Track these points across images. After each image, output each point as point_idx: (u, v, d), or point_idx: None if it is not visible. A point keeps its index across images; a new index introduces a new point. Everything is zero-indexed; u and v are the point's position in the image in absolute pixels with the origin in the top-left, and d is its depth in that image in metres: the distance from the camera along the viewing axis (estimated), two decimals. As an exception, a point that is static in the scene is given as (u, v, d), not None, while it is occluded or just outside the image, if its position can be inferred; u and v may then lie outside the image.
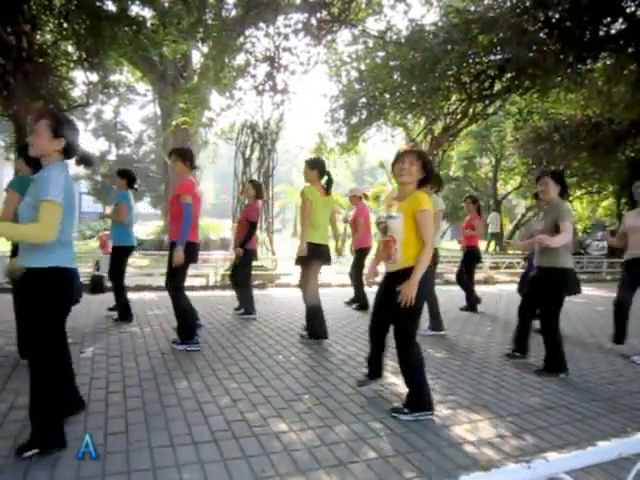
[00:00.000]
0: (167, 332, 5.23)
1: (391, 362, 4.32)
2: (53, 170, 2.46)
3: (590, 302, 7.91)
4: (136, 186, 5.84)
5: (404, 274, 3.00)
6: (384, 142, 16.68)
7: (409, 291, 2.92)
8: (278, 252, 11.90)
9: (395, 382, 3.77)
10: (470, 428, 2.93)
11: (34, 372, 2.43)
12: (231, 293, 7.08)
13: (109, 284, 6.01)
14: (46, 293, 2.46)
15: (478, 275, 9.48)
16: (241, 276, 6.28)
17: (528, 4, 10.56)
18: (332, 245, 5.56)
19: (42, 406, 2.44)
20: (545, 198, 4.24)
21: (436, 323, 5.59)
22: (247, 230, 6.06)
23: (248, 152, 11.81)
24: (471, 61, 11.88)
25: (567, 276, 4.14)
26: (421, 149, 3.50)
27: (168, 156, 5.37)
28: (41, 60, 10.34)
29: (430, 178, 3.20)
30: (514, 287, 6.90)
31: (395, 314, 3.08)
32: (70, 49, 11.61)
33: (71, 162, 2.74)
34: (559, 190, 4.18)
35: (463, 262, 7.29)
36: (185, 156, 4.74)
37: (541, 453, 0.97)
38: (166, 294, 4.81)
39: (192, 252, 4.57)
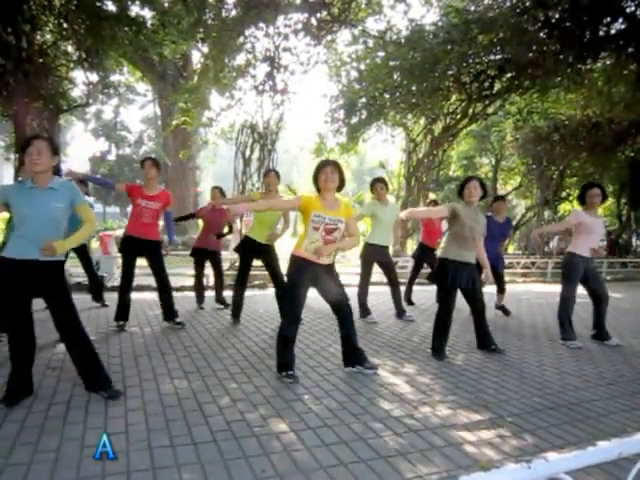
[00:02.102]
0: (167, 332, 5.23)
1: (391, 362, 4.32)
2: (67, 181, 3.19)
3: (589, 301, 7.91)
4: None
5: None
6: (384, 142, 16.69)
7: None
8: (278, 252, 11.89)
9: (395, 382, 3.77)
10: (470, 428, 2.93)
11: None
12: (230, 293, 7.07)
13: (108, 284, 6.02)
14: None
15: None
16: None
17: (528, 4, 10.57)
18: None
19: None
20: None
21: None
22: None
23: (248, 152, 11.82)
24: (471, 61, 11.89)
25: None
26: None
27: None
28: (41, 60, 10.35)
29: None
30: (514, 287, 6.91)
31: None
32: (70, 49, 11.62)
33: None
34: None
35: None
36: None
37: (541, 453, 0.97)
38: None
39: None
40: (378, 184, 6.18)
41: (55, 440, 2.58)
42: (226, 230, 6.68)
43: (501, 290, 6.86)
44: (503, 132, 20.69)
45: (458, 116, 14.07)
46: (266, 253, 5.70)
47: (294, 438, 2.71)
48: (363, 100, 13.61)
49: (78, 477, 2.24)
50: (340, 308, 3.90)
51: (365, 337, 5.16)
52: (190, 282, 8.85)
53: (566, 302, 5.33)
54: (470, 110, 13.72)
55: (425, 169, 14.86)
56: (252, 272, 7.21)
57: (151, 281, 8.24)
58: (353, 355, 3.98)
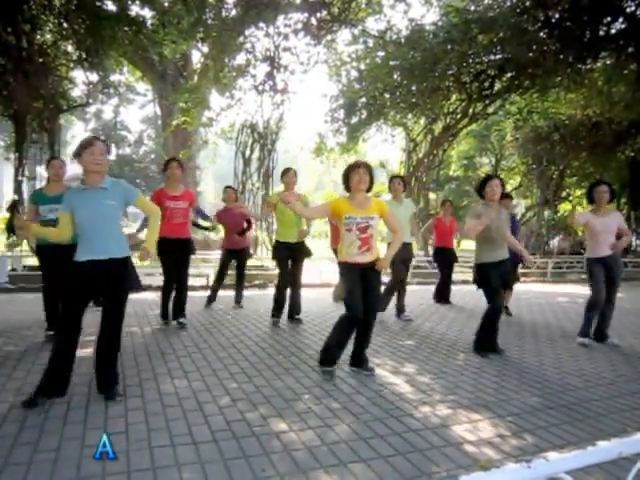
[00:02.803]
0: (167, 332, 5.24)
1: (390, 361, 4.32)
2: (117, 180, 3.26)
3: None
4: None
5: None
6: (384, 142, 16.70)
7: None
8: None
9: (395, 382, 3.77)
10: (470, 428, 2.93)
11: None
12: (231, 293, 7.09)
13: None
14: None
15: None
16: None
17: (528, 4, 10.58)
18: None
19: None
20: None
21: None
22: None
23: (248, 152, 11.83)
24: (471, 61, 11.89)
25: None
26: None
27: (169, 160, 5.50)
28: (41, 60, 10.33)
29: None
30: (513, 286, 6.91)
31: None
32: (70, 49, 11.60)
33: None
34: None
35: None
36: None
37: (541, 453, 0.97)
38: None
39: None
40: (395, 180, 6.23)
41: (55, 440, 2.58)
42: (245, 226, 6.74)
43: (509, 288, 6.82)
44: (503, 132, 20.69)
45: (458, 116, 14.07)
46: (301, 251, 5.76)
47: (294, 438, 2.71)
48: (363, 100, 13.61)
49: (78, 477, 2.24)
50: (369, 313, 3.91)
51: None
52: (197, 283, 8.83)
53: (592, 303, 5.29)
54: (470, 110, 13.72)
55: (425, 169, 14.86)
56: (253, 272, 7.24)
57: (150, 281, 8.29)
58: (359, 359, 4.02)
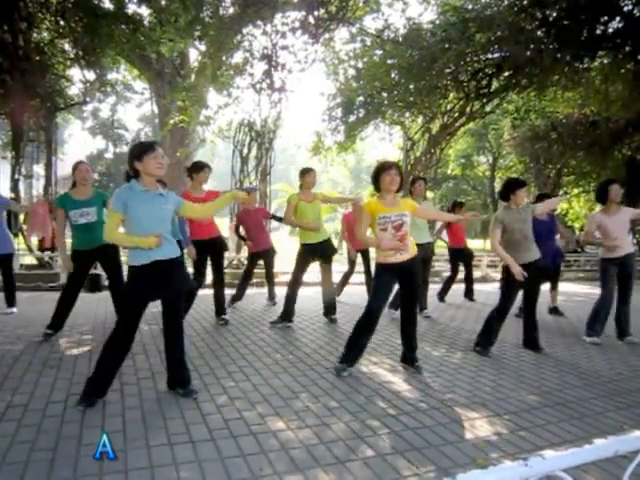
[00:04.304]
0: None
1: (388, 360, 4.33)
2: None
3: (587, 300, 7.94)
4: None
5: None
6: (382, 140, 16.71)
7: None
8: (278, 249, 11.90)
9: (392, 380, 3.77)
10: (467, 426, 2.94)
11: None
12: (230, 292, 7.08)
13: (105, 283, 6.02)
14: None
15: (476, 273, 9.53)
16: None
17: (525, 2, 10.57)
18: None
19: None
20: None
21: None
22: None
23: (246, 150, 11.80)
24: (468, 59, 11.89)
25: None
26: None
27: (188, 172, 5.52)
28: (37, 58, 10.29)
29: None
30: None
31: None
32: (67, 47, 11.55)
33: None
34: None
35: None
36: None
37: (538, 451, 0.98)
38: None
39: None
40: (418, 181, 6.29)
41: (52, 439, 2.58)
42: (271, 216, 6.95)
43: (554, 287, 6.98)
44: (501, 130, 20.72)
45: (456, 114, 14.06)
46: (327, 249, 5.67)
47: (292, 436, 2.71)
48: (361, 98, 13.61)
49: (75, 475, 2.23)
50: (405, 313, 4.06)
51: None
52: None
53: (602, 303, 5.30)
54: (468, 108, 13.71)
55: (423, 167, 14.85)
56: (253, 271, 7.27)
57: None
58: (410, 354, 4.10)
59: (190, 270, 5.12)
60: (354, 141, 15.68)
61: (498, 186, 24.77)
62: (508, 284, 4.62)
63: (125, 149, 37.25)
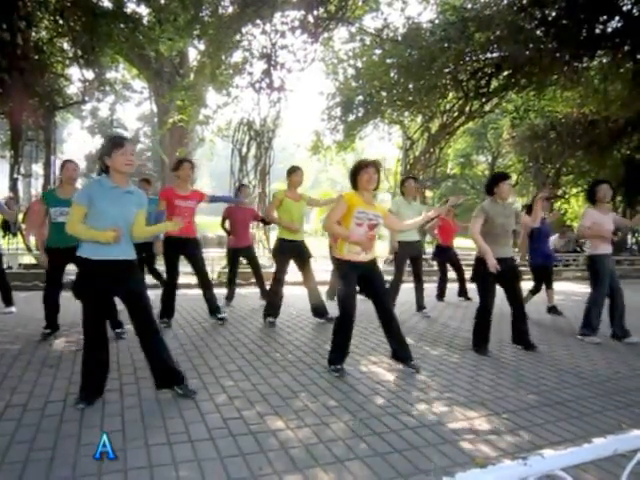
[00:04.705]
0: (161, 329, 5.22)
1: (387, 359, 4.32)
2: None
3: (584, 299, 7.95)
4: None
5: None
6: (381, 140, 16.71)
7: None
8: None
9: (391, 379, 3.77)
10: (466, 425, 2.94)
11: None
12: (224, 291, 7.09)
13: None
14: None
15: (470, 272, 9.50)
16: None
17: (525, 2, 10.59)
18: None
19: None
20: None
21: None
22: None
23: (245, 150, 11.81)
24: (468, 59, 11.91)
25: None
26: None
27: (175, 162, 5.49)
28: (36, 57, 10.30)
29: None
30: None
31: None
32: (66, 46, 11.56)
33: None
34: None
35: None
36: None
37: (537, 450, 0.98)
38: (158, 291, 4.90)
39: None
40: (407, 180, 6.32)
41: (51, 438, 2.57)
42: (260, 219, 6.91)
43: (548, 286, 6.95)
44: (500, 130, 20.74)
45: (455, 114, 14.08)
46: (305, 250, 5.63)
47: (291, 435, 2.71)
48: (360, 98, 13.62)
49: (74, 475, 2.23)
50: (383, 312, 3.97)
51: (361, 334, 5.17)
52: (184, 280, 8.83)
53: (596, 299, 5.31)
54: (467, 108, 13.73)
55: (422, 167, 14.87)
56: (249, 270, 7.26)
57: (146, 280, 8.26)
58: (403, 351, 4.02)
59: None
60: (353, 140, 15.70)
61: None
62: (483, 278, 4.58)
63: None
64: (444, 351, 4.70)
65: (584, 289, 5.39)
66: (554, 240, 19.90)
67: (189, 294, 7.34)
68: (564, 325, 6.21)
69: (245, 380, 3.64)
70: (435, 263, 8.68)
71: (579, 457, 1.02)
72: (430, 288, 7.94)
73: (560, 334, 5.69)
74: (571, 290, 9.61)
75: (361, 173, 3.80)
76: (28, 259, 10.30)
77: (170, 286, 5.43)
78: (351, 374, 3.86)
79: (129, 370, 3.79)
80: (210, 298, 5.59)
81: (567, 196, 20.56)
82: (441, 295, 7.92)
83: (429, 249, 16.33)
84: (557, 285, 7.47)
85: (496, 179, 4.72)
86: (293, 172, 5.57)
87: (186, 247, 5.32)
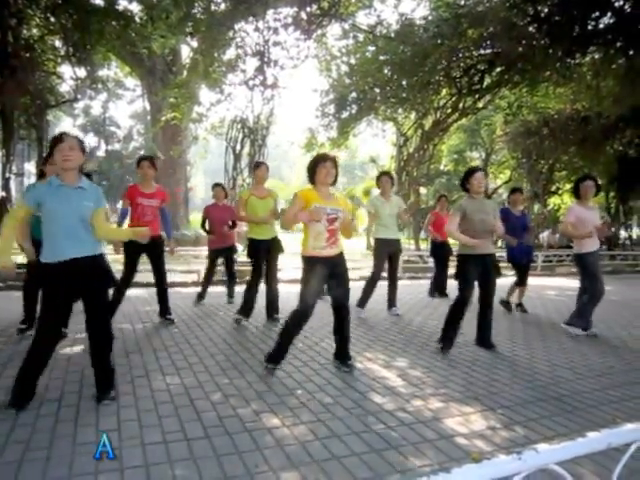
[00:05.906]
0: (159, 329, 5.22)
1: (382, 356, 4.34)
2: (92, 183, 3.17)
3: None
4: None
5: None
6: (375, 137, 16.73)
7: None
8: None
9: (387, 376, 3.78)
10: (462, 420, 2.95)
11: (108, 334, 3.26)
12: (221, 289, 7.08)
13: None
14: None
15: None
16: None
17: (517, -2, 10.60)
18: None
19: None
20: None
21: None
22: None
23: (238, 147, 11.80)
24: (461, 55, 11.93)
25: None
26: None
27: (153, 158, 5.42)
28: (28, 55, 10.22)
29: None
30: (505, 280, 6.94)
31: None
32: (57, 44, 11.48)
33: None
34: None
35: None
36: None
37: (532, 444, 0.98)
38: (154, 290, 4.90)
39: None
40: (383, 177, 6.26)
41: (47, 438, 2.57)
42: (231, 223, 6.70)
43: (522, 283, 6.72)
44: (493, 126, 20.79)
45: (448, 110, 14.10)
46: (275, 248, 5.59)
47: (287, 433, 2.71)
48: (353, 94, 13.62)
49: (71, 474, 2.23)
50: (339, 308, 3.94)
51: (356, 331, 5.18)
52: (179, 278, 8.85)
53: (595, 296, 5.29)
54: (460, 104, 13.76)
55: (416, 163, 14.90)
56: (245, 268, 7.22)
57: (140, 278, 8.24)
58: (342, 353, 4.02)
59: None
60: (347, 137, 15.71)
61: (491, 182, 24.88)
62: (464, 274, 4.55)
63: (117, 146, 37.05)
64: (439, 347, 4.70)
65: (578, 284, 5.41)
66: (547, 236, 20.07)
67: (182, 292, 7.32)
68: (558, 320, 6.24)
69: (240, 378, 3.64)
70: (432, 260, 8.64)
71: (573, 451, 1.02)
72: (424, 285, 7.97)
73: (554, 330, 5.71)
74: (565, 285, 9.67)
75: (319, 167, 3.76)
76: (23, 259, 10.23)
77: (124, 284, 5.23)
78: (347, 371, 3.86)
79: (124, 369, 3.78)
80: (163, 297, 5.49)
81: (560, 192, 20.64)
82: (435, 291, 7.91)
83: (423, 246, 16.41)
84: (551, 280, 7.49)
85: (466, 175, 4.68)
86: (257, 167, 5.60)
87: (147, 246, 5.08)
